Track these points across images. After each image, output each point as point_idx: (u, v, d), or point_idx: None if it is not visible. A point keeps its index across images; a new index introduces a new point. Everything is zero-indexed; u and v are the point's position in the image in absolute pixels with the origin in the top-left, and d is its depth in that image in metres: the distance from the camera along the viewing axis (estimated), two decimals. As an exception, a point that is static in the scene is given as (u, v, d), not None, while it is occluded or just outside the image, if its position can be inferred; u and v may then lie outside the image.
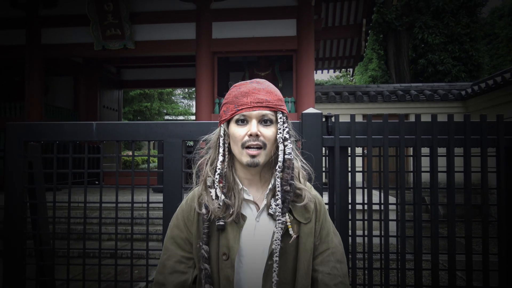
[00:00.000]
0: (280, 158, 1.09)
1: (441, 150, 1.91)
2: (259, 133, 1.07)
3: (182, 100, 29.15)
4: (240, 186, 1.13)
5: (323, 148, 1.98)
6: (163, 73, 12.52)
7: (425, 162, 1.94)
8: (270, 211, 1.09)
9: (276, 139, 1.11)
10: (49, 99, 10.14)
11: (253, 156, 1.07)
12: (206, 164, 1.16)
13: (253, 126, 1.07)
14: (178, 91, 28.25)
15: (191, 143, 2.17)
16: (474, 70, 13.39)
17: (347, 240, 1.94)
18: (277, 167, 1.10)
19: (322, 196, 1.78)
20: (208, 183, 1.13)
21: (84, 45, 8.03)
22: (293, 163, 1.12)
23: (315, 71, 10.78)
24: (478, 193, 8.28)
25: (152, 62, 11.35)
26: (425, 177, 2.04)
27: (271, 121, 1.10)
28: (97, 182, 9.66)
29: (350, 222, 1.96)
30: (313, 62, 7.72)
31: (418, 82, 12.98)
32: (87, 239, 5.70)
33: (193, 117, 25.10)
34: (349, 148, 1.95)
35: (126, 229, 5.90)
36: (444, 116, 1.94)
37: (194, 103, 23.80)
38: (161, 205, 2.05)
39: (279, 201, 1.08)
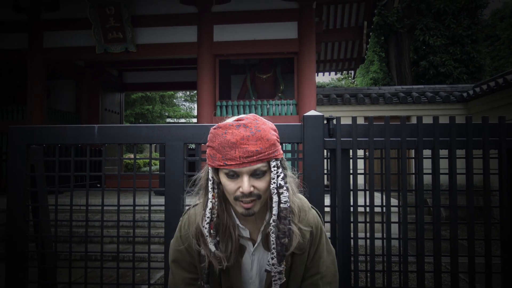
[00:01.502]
0: (275, 211, 1.02)
1: (443, 152, 1.91)
2: (252, 189, 1.00)
3: (184, 103, 29.19)
4: (237, 221, 1.09)
5: (325, 151, 1.98)
6: (165, 76, 12.54)
7: (427, 164, 1.93)
8: (267, 268, 1.05)
9: (270, 185, 1.03)
10: (51, 102, 10.17)
11: (247, 209, 1.01)
12: (202, 209, 1.10)
13: (245, 184, 0.99)
14: (180, 94, 28.29)
15: (193, 146, 2.17)
16: (475, 72, 13.36)
17: (349, 242, 1.93)
18: (271, 221, 1.03)
19: (323, 198, 1.79)
20: (205, 233, 1.06)
21: (86, 49, 8.06)
22: (290, 211, 1.04)
23: (316, 74, 10.81)
24: (480, 195, 8.25)
25: (154, 65, 11.38)
26: (427, 179, 2.04)
27: (264, 172, 1.02)
28: (99, 185, 9.66)
29: (352, 224, 1.96)
30: (314, 65, 7.73)
31: (419, 84, 12.97)
32: (89, 242, 5.70)
33: (195, 120, 25.14)
34: (351, 151, 1.95)
35: (128, 232, 5.90)
36: (446, 118, 1.93)
37: (195, 105, 23.82)
38: (162, 207, 2.05)
39: (274, 255, 1.02)
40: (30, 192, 2.16)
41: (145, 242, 5.79)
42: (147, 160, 17.55)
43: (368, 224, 1.96)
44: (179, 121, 25.99)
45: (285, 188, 1.03)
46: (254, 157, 0.98)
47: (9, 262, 2.06)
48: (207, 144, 1.06)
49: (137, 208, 6.10)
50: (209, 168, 1.06)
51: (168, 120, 25.88)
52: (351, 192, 1.99)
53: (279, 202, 1.02)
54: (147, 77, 12.75)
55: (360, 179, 2.05)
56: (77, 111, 11.08)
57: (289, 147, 2.05)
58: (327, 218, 1.92)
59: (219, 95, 7.89)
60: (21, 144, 2.08)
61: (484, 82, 8.96)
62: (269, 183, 1.03)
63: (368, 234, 1.97)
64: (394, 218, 5.08)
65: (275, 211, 1.02)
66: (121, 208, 2.19)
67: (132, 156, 16.77)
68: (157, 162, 18.09)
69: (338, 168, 1.93)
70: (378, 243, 4.40)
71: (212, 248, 1.03)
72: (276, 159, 1.03)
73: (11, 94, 10.21)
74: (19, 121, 8.93)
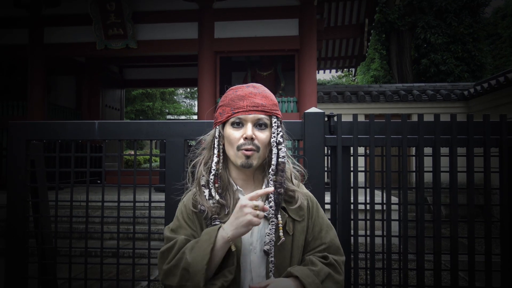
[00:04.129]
0: (274, 162, 1.12)
1: (444, 150, 1.90)
2: (254, 136, 1.09)
3: (184, 100, 29.17)
4: (235, 187, 1.16)
5: (326, 148, 1.97)
6: (165, 73, 12.53)
7: (428, 162, 1.93)
8: (265, 213, 1.09)
9: (269, 143, 1.13)
10: (52, 98, 10.16)
11: (247, 157, 1.09)
12: (200, 164, 1.19)
13: (249, 130, 1.09)
14: (180, 90, 28.27)
15: (193, 143, 2.17)
16: (476, 70, 13.33)
17: (349, 240, 1.93)
18: (270, 170, 1.12)
19: (324, 195, 1.79)
20: (202, 182, 1.15)
21: (86, 45, 8.04)
22: (285, 166, 1.15)
23: (317, 71, 10.78)
24: (481, 193, 8.26)
25: (155, 61, 11.36)
26: (428, 177, 2.03)
27: (265, 125, 1.13)
28: (99, 181, 9.67)
29: (352, 222, 1.96)
30: (315, 62, 7.71)
31: (420, 82, 12.94)
32: (89, 238, 5.70)
33: (195, 117, 25.11)
34: (352, 148, 1.95)
35: (128, 228, 5.91)
36: (447, 116, 1.93)
37: (196, 102, 23.80)
38: (163, 204, 2.05)
39: (272, 204, 1.10)
40: (30, 187, 2.15)
41: (145, 238, 5.80)
42: (148, 157, 17.56)
43: (368, 222, 1.96)
44: (180, 118, 25.97)
45: (283, 145, 1.14)
46: (259, 108, 1.11)
47: (9, 257, 2.06)
48: (218, 105, 1.19)
49: (137, 204, 6.10)
50: (216, 128, 1.16)
51: (169, 117, 25.86)
52: (352, 190, 1.98)
53: (278, 155, 1.13)
54: (147, 74, 12.73)
55: (361, 177, 2.05)
56: (78, 107, 11.07)
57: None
58: (327, 215, 1.92)
59: (219, 92, 7.88)
60: (21, 140, 2.07)
61: (485, 80, 8.93)
62: (269, 138, 1.13)
63: (368, 232, 1.97)
64: (394, 215, 5.10)
65: (274, 161, 1.12)
66: (121, 204, 2.19)
67: (132, 152, 16.79)
68: (157, 158, 18.10)
69: (338, 165, 1.92)
70: (378, 240, 4.41)
71: (217, 196, 1.12)
72: (277, 118, 1.15)
73: (11, 89, 10.20)
74: (20, 117, 8.92)
